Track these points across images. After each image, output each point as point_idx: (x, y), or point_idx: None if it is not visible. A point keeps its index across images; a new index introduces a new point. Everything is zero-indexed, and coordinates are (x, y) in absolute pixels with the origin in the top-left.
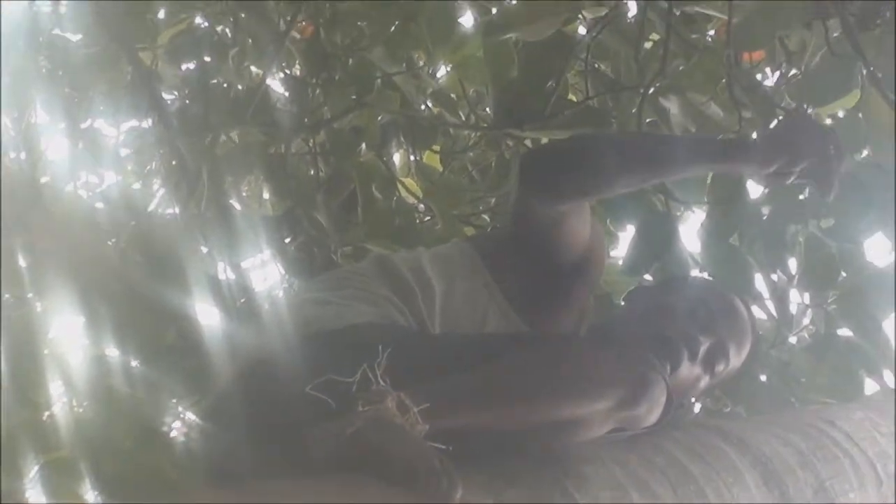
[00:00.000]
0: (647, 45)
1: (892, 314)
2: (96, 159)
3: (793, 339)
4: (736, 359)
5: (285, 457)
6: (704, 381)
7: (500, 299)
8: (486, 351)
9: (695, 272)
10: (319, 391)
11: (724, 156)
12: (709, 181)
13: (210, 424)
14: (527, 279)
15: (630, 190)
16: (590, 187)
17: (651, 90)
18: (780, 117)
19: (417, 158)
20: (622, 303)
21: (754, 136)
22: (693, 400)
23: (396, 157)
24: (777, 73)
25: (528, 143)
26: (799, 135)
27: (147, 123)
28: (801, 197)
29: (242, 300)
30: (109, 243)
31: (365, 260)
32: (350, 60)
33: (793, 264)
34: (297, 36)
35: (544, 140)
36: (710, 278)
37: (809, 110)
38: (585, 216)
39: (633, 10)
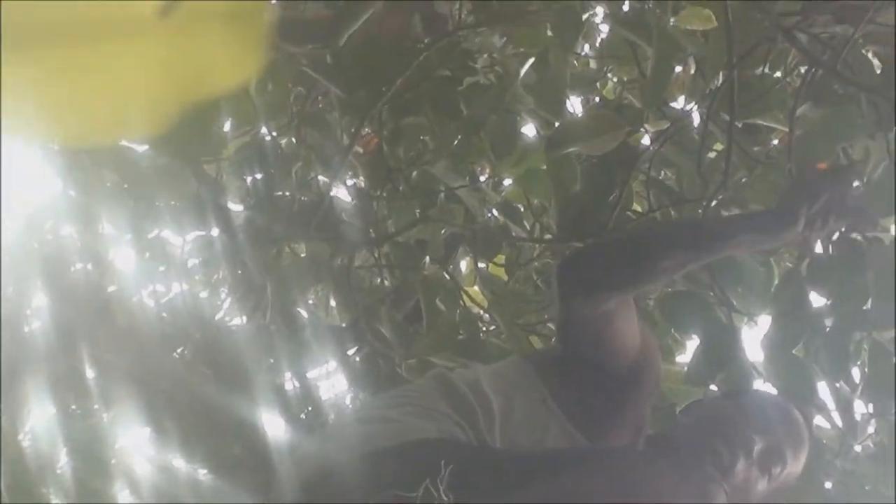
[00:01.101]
0: (710, 155)
1: None
2: (163, 269)
3: (857, 448)
4: (793, 463)
5: None
6: (762, 484)
7: (559, 414)
8: (547, 468)
9: (758, 383)
10: None
11: (751, 228)
12: (773, 292)
13: None
14: (582, 391)
15: (666, 278)
16: (626, 278)
17: (714, 202)
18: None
19: (483, 267)
20: (682, 412)
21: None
22: None
23: (462, 265)
24: None
25: None
26: (806, 182)
27: (213, 232)
28: (864, 308)
29: (308, 411)
30: (176, 353)
31: (424, 377)
32: (413, 174)
33: (856, 374)
34: (360, 150)
35: None
36: (774, 389)
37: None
38: (631, 318)
39: (695, 121)
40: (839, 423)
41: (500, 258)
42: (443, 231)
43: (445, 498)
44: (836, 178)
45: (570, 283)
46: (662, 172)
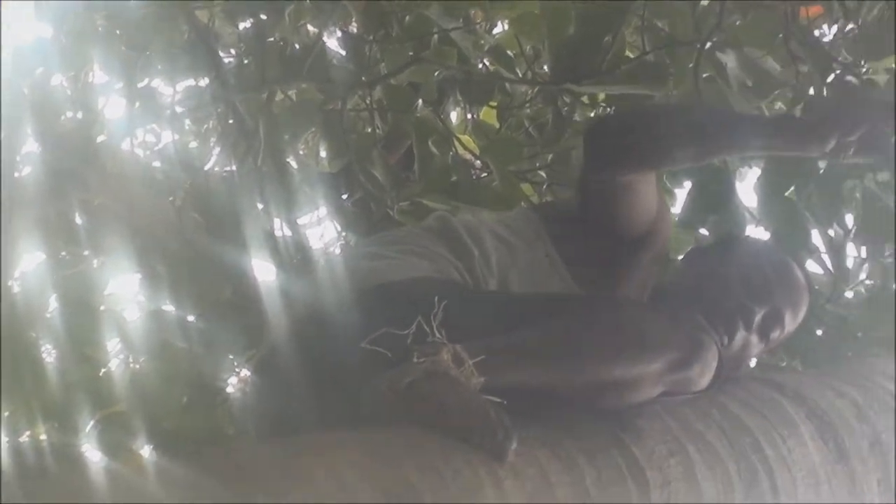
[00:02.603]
0: (704, 1)
1: None
2: (153, 118)
3: (849, 294)
4: (791, 324)
5: (340, 409)
6: (759, 348)
7: (563, 270)
8: (542, 310)
9: (751, 227)
10: (375, 344)
11: (780, 135)
12: None
13: (265, 378)
14: (589, 251)
15: (691, 164)
16: (652, 158)
17: (708, 45)
18: (826, 91)
19: (474, 116)
20: (678, 265)
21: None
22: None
23: (453, 115)
24: (834, 28)
25: (584, 98)
26: (848, 105)
27: (204, 82)
28: None
29: (299, 256)
30: (167, 201)
31: (425, 220)
32: (407, 17)
33: (849, 219)
34: None
35: (601, 95)
36: (767, 234)
37: (863, 67)
38: (652, 190)
39: None
40: (831, 267)
41: (493, 103)
42: (436, 73)
43: (438, 335)
44: (878, 115)
45: (598, 153)
46: (655, 21)
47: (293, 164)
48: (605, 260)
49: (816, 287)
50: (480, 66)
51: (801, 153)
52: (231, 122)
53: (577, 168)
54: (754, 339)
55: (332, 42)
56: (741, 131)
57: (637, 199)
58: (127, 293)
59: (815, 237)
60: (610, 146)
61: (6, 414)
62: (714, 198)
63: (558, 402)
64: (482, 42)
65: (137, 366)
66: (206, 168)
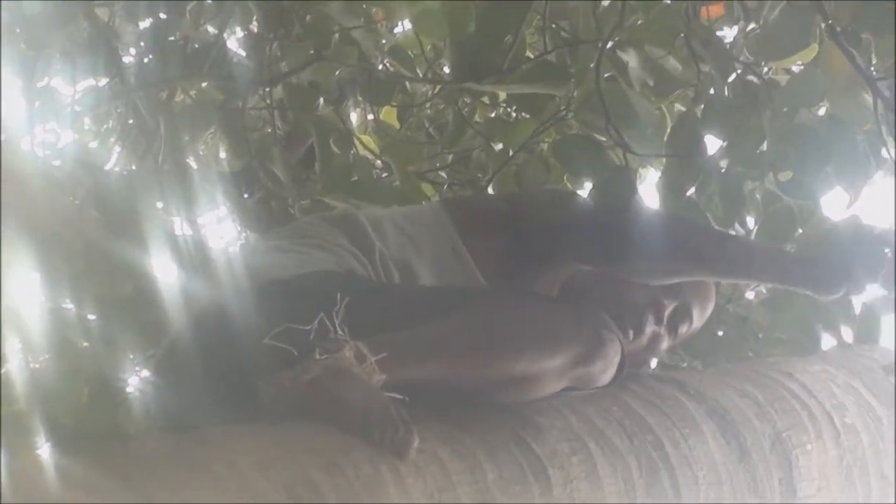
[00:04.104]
0: (605, 0)
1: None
2: (53, 117)
3: (750, 295)
4: (699, 320)
5: (241, 405)
6: (666, 343)
7: (469, 265)
8: (445, 303)
9: None
10: (277, 340)
11: (789, 278)
12: (667, 135)
13: (165, 374)
14: (500, 251)
15: (697, 277)
16: (649, 267)
17: (609, 44)
18: (837, 236)
19: (375, 115)
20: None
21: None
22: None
23: (354, 117)
24: (735, 28)
25: (485, 98)
26: (858, 258)
27: (103, 82)
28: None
29: (199, 255)
30: (67, 199)
31: (327, 215)
32: (308, 16)
33: (751, 220)
34: None
35: (502, 95)
36: None
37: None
38: None
39: None
40: None
41: (393, 108)
42: (336, 72)
43: (340, 331)
44: (875, 249)
45: (600, 244)
46: (556, 23)
47: (193, 163)
48: (512, 259)
49: (717, 287)
50: (381, 65)
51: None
52: (131, 121)
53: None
54: (663, 332)
55: (233, 41)
56: (749, 267)
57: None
58: (27, 291)
59: None
60: (615, 244)
61: None
62: (615, 197)
63: (460, 399)
64: (383, 41)
65: (37, 364)
66: (107, 167)
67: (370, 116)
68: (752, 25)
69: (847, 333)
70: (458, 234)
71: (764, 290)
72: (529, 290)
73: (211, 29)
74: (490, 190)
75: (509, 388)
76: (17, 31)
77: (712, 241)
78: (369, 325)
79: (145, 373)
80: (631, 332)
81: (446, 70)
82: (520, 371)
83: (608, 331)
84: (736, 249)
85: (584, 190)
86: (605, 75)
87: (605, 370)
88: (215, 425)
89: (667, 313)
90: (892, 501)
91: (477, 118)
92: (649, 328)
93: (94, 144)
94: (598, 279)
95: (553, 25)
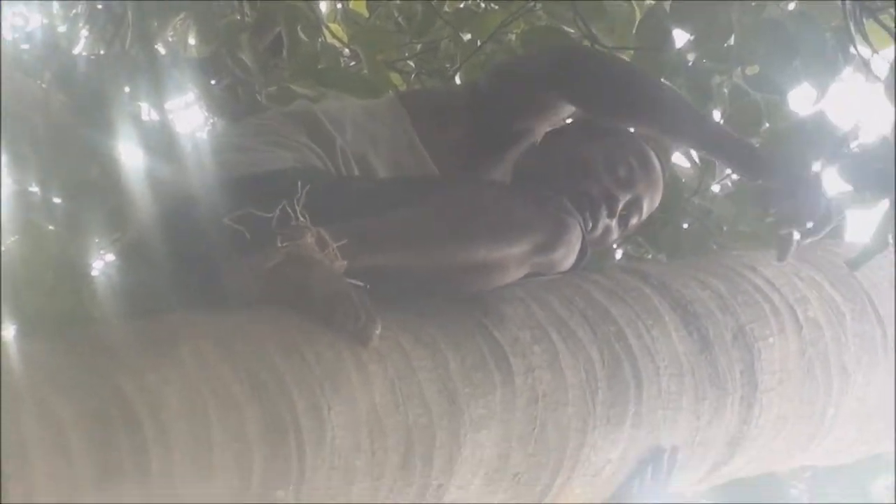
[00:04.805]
0: None
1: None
2: (21, 1)
3: (715, 188)
4: (648, 212)
5: (204, 292)
6: (617, 234)
7: (426, 160)
8: (406, 193)
9: None
10: (239, 227)
11: (748, 165)
12: (635, 28)
13: (130, 259)
14: (457, 141)
15: (641, 127)
16: (617, 112)
17: None
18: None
19: (343, 5)
20: (539, 147)
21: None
22: (613, 247)
23: (323, 6)
24: None
25: None
26: (804, 196)
27: None
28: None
29: (165, 141)
30: (34, 83)
31: (286, 110)
32: None
33: (717, 115)
34: None
35: None
36: None
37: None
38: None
39: None
40: (697, 161)
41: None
42: None
43: (302, 218)
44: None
45: (572, 84)
46: None
47: (161, 49)
48: (471, 150)
49: (683, 180)
50: None
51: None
52: (100, 6)
53: (517, 67)
54: (614, 225)
55: None
56: (703, 136)
57: (545, 116)
58: None
59: None
60: (590, 85)
61: None
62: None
63: (422, 287)
64: None
65: (1, 248)
66: (75, 52)
67: (339, 5)
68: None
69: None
70: (414, 128)
71: (729, 184)
72: (489, 179)
73: None
74: (457, 80)
75: (472, 275)
76: None
77: (670, 96)
78: (330, 216)
79: (110, 257)
80: (590, 223)
81: None
82: (481, 258)
83: (569, 216)
84: (689, 111)
85: None
86: None
87: (567, 256)
88: (179, 311)
89: (619, 207)
90: (852, 394)
91: (446, 8)
92: (603, 222)
93: (62, 29)
94: (549, 172)
95: None
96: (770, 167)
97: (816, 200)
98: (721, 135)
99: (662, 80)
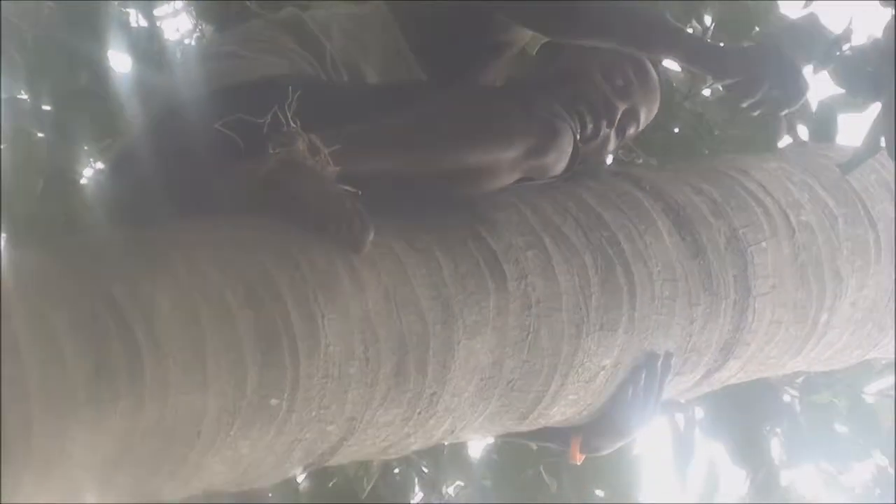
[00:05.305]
0: None
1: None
2: None
3: (706, 92)
4: (645, 121)
5: (196, 200)
6: (614, 143)
7: (414, 65)
8: (397, 99)
9: None
10: (230, 133)
11: (696, 55)
12: None
13: (121, 168)
14: (445, 48)
15: (604, 42)
16: (573, 30)
17: None
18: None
19: None
20: (535, 58)
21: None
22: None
23: None
24: None
25: None
26: (767, 64)
27: None
28: None
29: (154, 47)
30: None
31: (274, 18)
32: None
33: (708, 19)
34: None
35: None
36: None
37: None
38: None
39: None
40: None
41: None
42: None
43: (293, 124)
44: (791, 82)
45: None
46: None
47: None
48: (457, 59)
49: (674, 84)
50: None
51: (707, 73)
52: None
53: None
54: (612, 135)
55: None
56: (667, 37)
57: (512, 31)
58: None
59: None
60: (532, 5)
61: None
62: None
63: (414, 192)
64: None
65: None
66: None
67: None
68: None
69: (803, 131)
70: (403, 34)
71: (720, 88)
72: (480, 84)
73: None
74: None
75: (463, 179)
76: None
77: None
78: (322, 121)
79: (100, 165)
80: (590, 129)
81: None
82: (473, 162)
83: (561, 120)
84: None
85: None
86: None
87: (559, 160)
88: (170, 220)
89: (618, 116)
90: (845, 299)
91: None
92: (603, 130)
93: None
94: (546, 81)
95: None
96: (744, 61)
97: (795, 77)
98: (685, 40)
99: None
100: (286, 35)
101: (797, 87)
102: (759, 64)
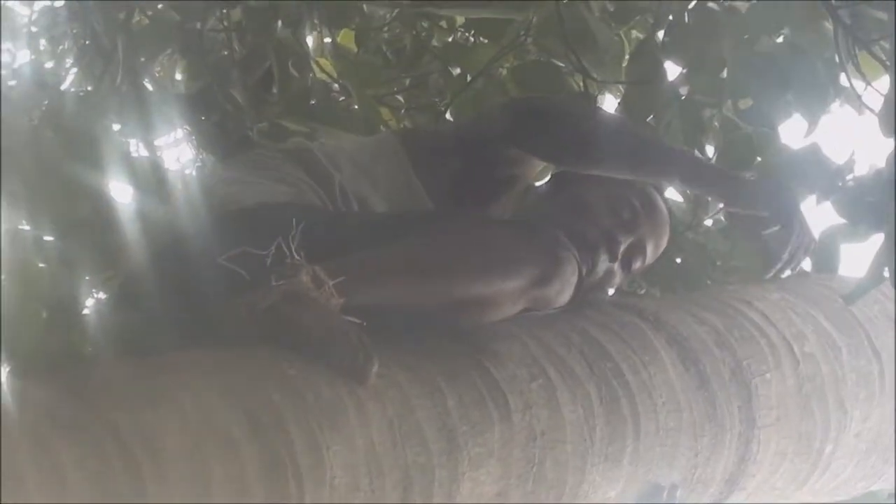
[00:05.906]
0: None
1: (807, 198)
2: (9, 37)
3: (709, 222)
4: (652, 256)
5: (200, 331)
6: (619, 277)
7: (423, 197)
8: (402, 228)
9: None
10: (234, 265)
11: (711, 187)
12: (626, 61)
13: (124, 299)
14: (453, 182)
15: (616, 173)
16: (576, 160)
17: None
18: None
19: (332, 39)
20: (541, 190)
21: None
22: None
23: (310, 40)
24: None
25: (443, 23)
26: (775, 200)
27: (60, 2)
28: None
29: (155, 177)
30: (23, 120)
31: (282, 147)
32: None
33: (710, 149)
34: None
35: (460, 19)
36: None
37: None
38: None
39: None
40: (690, 195)
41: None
42: None
43: (297, 256)
44: (795, 221)
45: (526, 134)
46: None
47: (150, 85)
48: (465, 192)
49: (676, 215)
50: None
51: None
52: (87, 41)
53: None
54: (617, 268)
55: None
56: (672, 169)
57: (522, 165)
58: None
59: None
60: (541, 134)
61: None
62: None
63: (419, 323)
64: None
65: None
66: (63, 88)
67: (327, 39)
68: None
69: (805, 262)
70: (412, 166)
71: (723, 218)
72: (484, 214)
73: None
74: (448, 115)
75: (466, 310)
76: None
77: (633, 139)
78: (327, 251)
79: (103, 295)
80: (589, 264)
81: None
82: (477, 293)
83: (565, 250)
84: (657, 150)
85: None
86: (565, 0)
87: (563, 291)
88: (174, 351)
89: (621, 249)
90: (849, 430)
91: (435, 42)
92: (603, 265)
93: (50, 65)
94: (550, 214)
95: None
96: (755, 195)
97: (804, 228)
98: (699, 166)
99: (650, 115)
100: (295, 165)
101: (809, 244)
102: (768, 202)
